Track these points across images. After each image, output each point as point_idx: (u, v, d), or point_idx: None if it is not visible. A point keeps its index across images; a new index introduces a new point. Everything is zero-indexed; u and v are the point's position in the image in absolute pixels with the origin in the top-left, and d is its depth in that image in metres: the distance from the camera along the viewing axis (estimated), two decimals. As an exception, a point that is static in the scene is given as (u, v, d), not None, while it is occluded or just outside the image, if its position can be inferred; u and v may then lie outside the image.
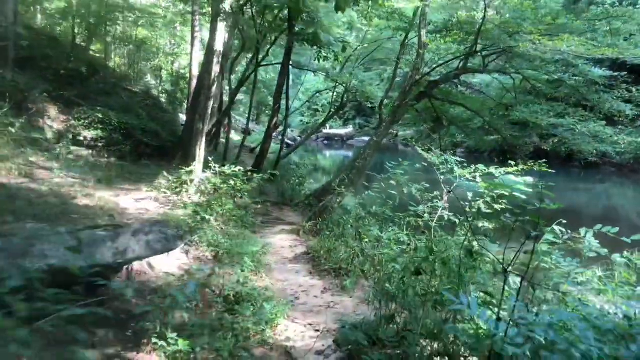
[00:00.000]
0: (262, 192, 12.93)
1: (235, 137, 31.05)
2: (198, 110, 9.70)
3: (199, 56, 22.62)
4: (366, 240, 6.68)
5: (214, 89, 9.58)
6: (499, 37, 9.43)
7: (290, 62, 16.64)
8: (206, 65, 9.64)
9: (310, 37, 15.25)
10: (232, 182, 9.29)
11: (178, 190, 9.18)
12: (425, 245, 4.35)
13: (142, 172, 11.28)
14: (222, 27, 9.07)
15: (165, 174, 9.29)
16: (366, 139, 38.87)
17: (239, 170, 9.30)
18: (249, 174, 9.62)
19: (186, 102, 22.87)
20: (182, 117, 23.58)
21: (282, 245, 8.14)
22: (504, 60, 14.54)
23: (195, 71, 22.57)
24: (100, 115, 12.33)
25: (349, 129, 39.74)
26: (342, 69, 18.35)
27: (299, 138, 30.65)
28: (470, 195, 4.82)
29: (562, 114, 14.77)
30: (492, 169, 5.34)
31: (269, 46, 16.84)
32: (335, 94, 22.05)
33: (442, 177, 5.55)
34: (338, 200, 8.72)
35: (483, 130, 19.52)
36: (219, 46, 9.27)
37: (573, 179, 23.21)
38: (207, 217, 6.85)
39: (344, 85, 17.92)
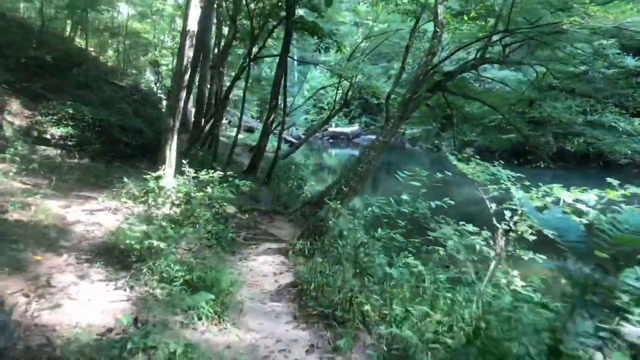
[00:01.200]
0: (254, 198, 11.11)
1: (239, 135, 29.25)
2: (169, 103, 7.88)
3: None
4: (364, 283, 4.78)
5: (186, 77, 7.74)
6: (537, 13, 7.49)
7: (290, 55, 14.80)
8: (179, 50, 7.80)
9: (310, 26, 13.40)
10: (209, 190, 7.47)
11: (143, 199, 7.36)
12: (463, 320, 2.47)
13: (113, 175, 9.46)
14: (196, 2, 7.23)
15: (125, 180, 7.47)
16: (373, 137, 36.89)
17: (217, 175, 7.46)
18: (230, 179, 7.79)
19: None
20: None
21: (264, 271, 6.28)
22: (526, 51, 12.63)
23: (192, 66, 20.87)
24: (70, 111, 10.55)
25: (355, 127, 37.75)
26: (348, 61, 16.42)
27: (303, 136, 28.72)
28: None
29: (590, 110, 12.91)
30: (576, 193, 3.42)
31: (265, 37, 14.93)
32: (340, 90, 20.22)
33: (493, 204, 3.68)
34: (333, 216, 6.86)
35: (497, 129, 17.60)
36: (192, 26, 7.42)
37: (591, 181, 21.08)
38: (156, 242, 4.99)
39: (349, 79, 16.01)
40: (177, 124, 7.64)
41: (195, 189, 7.34)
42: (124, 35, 17.04)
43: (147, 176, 7.31)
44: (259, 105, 34.61)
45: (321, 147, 35.15)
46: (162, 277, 4.97)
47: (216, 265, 5.52)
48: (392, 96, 14.03)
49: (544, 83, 12.57)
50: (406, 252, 4.89)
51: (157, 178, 7.43)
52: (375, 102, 24.37)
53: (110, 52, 19.11)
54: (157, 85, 23.29)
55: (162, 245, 5.00)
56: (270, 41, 20.20)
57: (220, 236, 7.05)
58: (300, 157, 22.82)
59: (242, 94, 29.27)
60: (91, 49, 16.89)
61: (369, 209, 4.93)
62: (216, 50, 18.98)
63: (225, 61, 17.59)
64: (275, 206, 10.76)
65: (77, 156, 10.47)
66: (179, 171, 7.76)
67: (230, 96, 24.07)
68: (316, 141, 35.23)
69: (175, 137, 7.69)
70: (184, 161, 7.51)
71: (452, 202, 4.86)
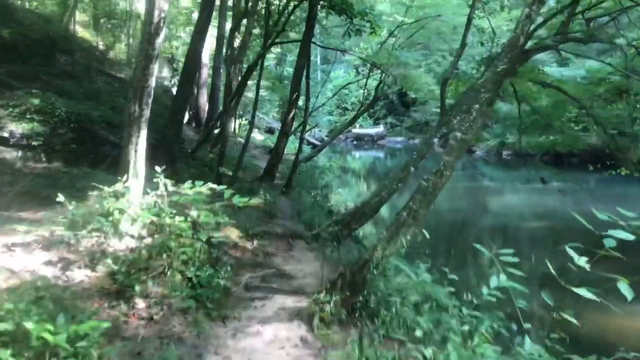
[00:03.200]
0: (269, 212, 8.36)
1: (259, 136, 26.71)
2: (132, 80, 5.12)
3: (210, 43, 18.29)
4: None
5: (158, 41, 4.95)
6: None
7: (313, 40, 11.98)
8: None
9: (338, 3, 10.58)
10: (194, 213, 4.71)
11: (94, 227, 4.63)
12: None
13: (79, 185, 6.78)
14: None
15: (61, 197, 4.71)
16: (399, 139, 33.93)
17: (206, 190, 4.70)
18: (229, 192, 4.98)
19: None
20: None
21: (272, 362, 3.48)
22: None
23: (206, 59, 18.27)
24: (36, 102, 7.96)
25: (380, 129, 34.67)
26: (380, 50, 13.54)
27: (327, 138, 25.77)
28: None
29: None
30: None
31: (285, 20, 12.11)
32: (365, 90, 17.39)
33: None
34: (383, 261, 4.09)
35: (536, 128, 14.61)
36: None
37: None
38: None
39: (381, 69, 13.13)
40: (147, 113, 4.91)
41: (169, 211, 4.59)
42: (126, 21, 14.46)
43: (97, 192, 4.60)
44: (281, 106, 31.87)
45: (345, 149, 32.27)
46: None
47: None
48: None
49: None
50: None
51: (116, 195, 4.71)
52: (413, 95, 21.39)
53: (119, 44, 16.59)
54: (172, 82, 20.87)
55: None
56: (292, 34, 17.53)
57: (206, 288, 4.28)
58: (323, 160, 20.08)
59: (264, 93, 26.84)
60: (91, 38, 14.41)
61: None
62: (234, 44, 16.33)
63: (241, 52, 14.89)
64: (295, 225, 7.98)
65: (43, 159, 7.88)
66: (150, 183, 5.02)
67: (251, 95, 21.47)
68: (339, 143, 32.37)
69: (144, 132, 4.96)
70: (158, 168, 4.75)
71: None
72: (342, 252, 6.22)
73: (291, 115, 11.35)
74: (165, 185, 4.73)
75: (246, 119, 24.51)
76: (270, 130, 28.30)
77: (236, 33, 15.55)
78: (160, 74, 21.29)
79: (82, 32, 15.51)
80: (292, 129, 12.68)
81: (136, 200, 4.77)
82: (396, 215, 4.48)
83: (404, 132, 34.49)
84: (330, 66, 30.37)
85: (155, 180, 4.79)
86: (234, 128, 21.53)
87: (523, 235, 12.26)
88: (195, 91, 18.26)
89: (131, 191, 4.75)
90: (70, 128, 8.34)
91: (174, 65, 21.44)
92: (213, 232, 4.91)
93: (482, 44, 8.97)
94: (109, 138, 9.07)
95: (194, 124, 18.90)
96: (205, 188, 4.77)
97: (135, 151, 4.92)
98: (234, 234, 6.27)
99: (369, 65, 16.20)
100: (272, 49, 27.37)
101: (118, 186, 4.66)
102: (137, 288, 3.79)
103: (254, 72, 11.92)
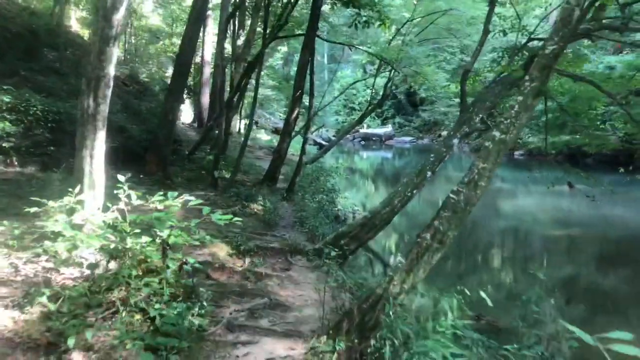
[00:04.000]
0: (267, 221, 7.35)
1: (265, 136, 25.80)
2: (86, 70, 4.07)
3: (211, 39, 17.33)
4: None
5: (117, 17, 3.80)
6: None
7: (318, 34, 10.90)
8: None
9: (346, -9, 9.51)
10: (163, 233, 3.67)
11: (36, 251, 3.62)
12: None
13: (47, 193, 5.79)
14: None
15: None
16: (407, 139, 32.75)
17: (178, 204, 3.67)
18: (209, 210, 3.94)
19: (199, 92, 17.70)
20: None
21: None
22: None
23: (208, 56, 17.31)
24: (7, 99, 7.00)
25: (388, 128, 33.48)
26: (389, 44, 12.44)
27: (334, 138, 24.62)
28: None
29: None
30: None
31: (288, 12, 11.03)
32: (373, 89, 16.26)
33: None
34: (398, 297, 3.06)
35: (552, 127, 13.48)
36: None
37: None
38: None
39: (390, 65, 12.02)
40: (105, 108, 3.89)
41: (132, 231, 3.57)
42: (126, 17, 13.50)
43: (33, 209, 3.60)
44: (287, 105, 30.82)
45: (352, 149, 31.16)
46: None
47: None
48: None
49: None
50: None
51: (68, 210, 3.70)
52: (423, 95, 20.32)
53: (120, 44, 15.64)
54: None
55: None
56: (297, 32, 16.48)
57: (171, 333, 3.25)
58: (330, 161, 19.00)
59: (270, 93, 25.79)
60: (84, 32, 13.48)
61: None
62: (238, 42, 15.28)
63: (245, 50, 13.87)
64: (296, 235, 6.93)
65: (16, 163, 6.92)
66: (110, 194, 3.99)
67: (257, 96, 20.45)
68: (347, 143, 31.28)
69: (102, 133, 3.95)
70: (121, 177, 3.72)
71: None
72: (348, 272, 5.16)
73: (294, 114, 10.33)
74: (129, 197, 3.71)
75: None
76: (276, 131, 27.32)
77: (240, 31, 14.57)
78: (165, 73, 20.39)
79: (82, 30, 14.64)
80: (297, 128, 11.67)
81: (93, 217, 3.76)
82: (417, 237, 3.42)
83: (413, 131, 33.34)
84: (337, 65, 29.31)
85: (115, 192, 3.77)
86: (239, 128, 20.54)
87: (545, 243, 11.12)
88: (199, 90, 17.37)
89: (86, 206, 3.73)
90: (47, 128, 7.38)
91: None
92: (189, 254, 3.89)
93: (504, 32, 7.87)
94: (93, 139, 8.09)
95: (196, 124, 17.98)
96: (179, 201, 3.75)
97: (91, 157, 3.89)
98: (222, 251, 5.25)
99: (376, 64, 15.18)
100: (279, 48, 26.40)
101: (68, 200, 3.64)
102: (72, 340, 2.76)
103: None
